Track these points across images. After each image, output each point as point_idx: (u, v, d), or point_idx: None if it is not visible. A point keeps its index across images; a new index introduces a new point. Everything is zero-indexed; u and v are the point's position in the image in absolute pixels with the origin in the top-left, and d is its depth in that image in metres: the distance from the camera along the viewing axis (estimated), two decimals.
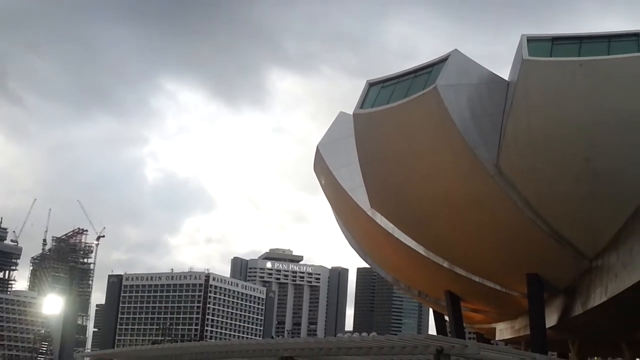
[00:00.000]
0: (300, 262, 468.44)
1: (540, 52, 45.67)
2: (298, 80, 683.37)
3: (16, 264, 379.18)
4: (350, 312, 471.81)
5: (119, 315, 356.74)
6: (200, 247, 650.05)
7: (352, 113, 53.52)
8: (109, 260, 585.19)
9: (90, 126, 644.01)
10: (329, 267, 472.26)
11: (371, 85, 52.82)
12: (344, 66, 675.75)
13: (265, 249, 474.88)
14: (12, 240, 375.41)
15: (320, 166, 68.13)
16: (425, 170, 52.03)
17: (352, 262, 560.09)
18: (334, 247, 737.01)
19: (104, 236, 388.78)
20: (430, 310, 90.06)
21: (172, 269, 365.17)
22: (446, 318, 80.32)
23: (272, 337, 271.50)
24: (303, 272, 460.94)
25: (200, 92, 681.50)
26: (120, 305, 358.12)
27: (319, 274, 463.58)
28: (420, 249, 63.01)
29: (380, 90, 51.91)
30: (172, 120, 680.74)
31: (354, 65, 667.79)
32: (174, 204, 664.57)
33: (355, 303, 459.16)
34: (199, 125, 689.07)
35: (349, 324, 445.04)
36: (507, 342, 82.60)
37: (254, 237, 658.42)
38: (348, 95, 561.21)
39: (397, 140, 52.09)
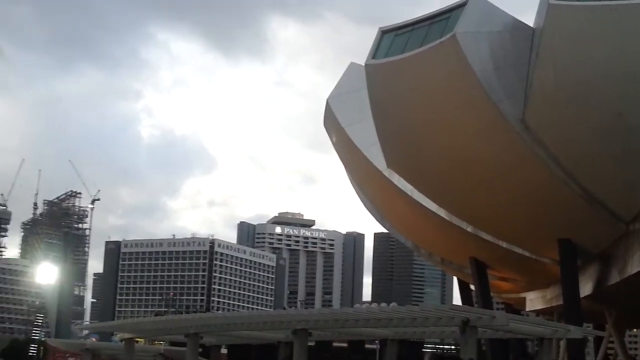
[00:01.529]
0: (312, 227, 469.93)
1: None
2: (301, 28, 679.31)
3: (5, 230, 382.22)
4: (367, 281, 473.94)
5: (118, 285, 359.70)
6: (202, 211, 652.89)
7: (363, 64, 53.39)
8: (104, 225, 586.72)
9: (76, 80, 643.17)
10: (344, 232, 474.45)
11: (384, 33, 52.59)
12: (349, 13, 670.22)
13: (273, 213, 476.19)
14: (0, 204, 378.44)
15: (331, 122, 68.07)
16: (444, 127, 52.04)
17: (369, 226, 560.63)
18: (348, 211, 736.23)
19: (98, 199, 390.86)
20: (455, 278, 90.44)
21: (173, 235, 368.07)
22: (472, 287, 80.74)
23: (284, 308, 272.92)
24: (316, 238, 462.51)
25: (195, 42, 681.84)
26: (120, 274, 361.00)
27: (333, 240, 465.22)
28: (442, 212, 63.21)
29: (393, 38, 51.74)
30: (166, 72, 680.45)
31: (359, 11, 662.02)
32: (172, 164, 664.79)
33: (373, 271, 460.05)
34: (195, 78, 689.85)
35: (366, 294, 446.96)
36: (538, 312, 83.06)
37: (260, 200, 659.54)
38: (356, 44, 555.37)
39: (413, 94, 52.05)
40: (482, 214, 61.05)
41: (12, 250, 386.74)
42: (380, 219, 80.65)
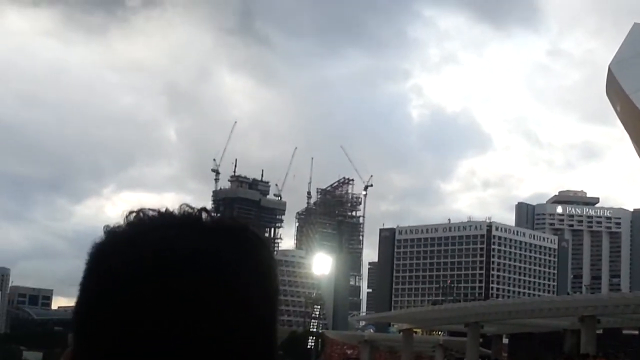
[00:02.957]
0: (597, 205, 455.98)
1: None
2: None
3: (281, 221, 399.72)
4: None
5: (394, 274, 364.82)
6: (477, 193, 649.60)
7: None
8: (377, 212, 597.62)
9: (343, 64, 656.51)
10: (631, 210, 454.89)
11: None
12: None
13: (552, 192, 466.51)
14: (275, 195, 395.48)
15: (614, 90, 64.55)
16: None
17: None
18: (635, 186, 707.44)
19: (371, 185, 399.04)
20: None
21: (449, 219, 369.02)
22: None
23: (568, 294, 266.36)
24: (600, 217, 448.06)
25: (462, 16, 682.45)
26: (395, 262, 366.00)
27: (620, 218, 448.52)
28: None
29: None
30: (434, 49, 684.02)
31: None
32: (443, 144, 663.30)
33: None
34: (464, 54, 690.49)
35: None
36: None
37: (537, 179, 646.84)
38: (637, 4, 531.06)
39: None
40: None
41: (287, 242, 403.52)
42: None
